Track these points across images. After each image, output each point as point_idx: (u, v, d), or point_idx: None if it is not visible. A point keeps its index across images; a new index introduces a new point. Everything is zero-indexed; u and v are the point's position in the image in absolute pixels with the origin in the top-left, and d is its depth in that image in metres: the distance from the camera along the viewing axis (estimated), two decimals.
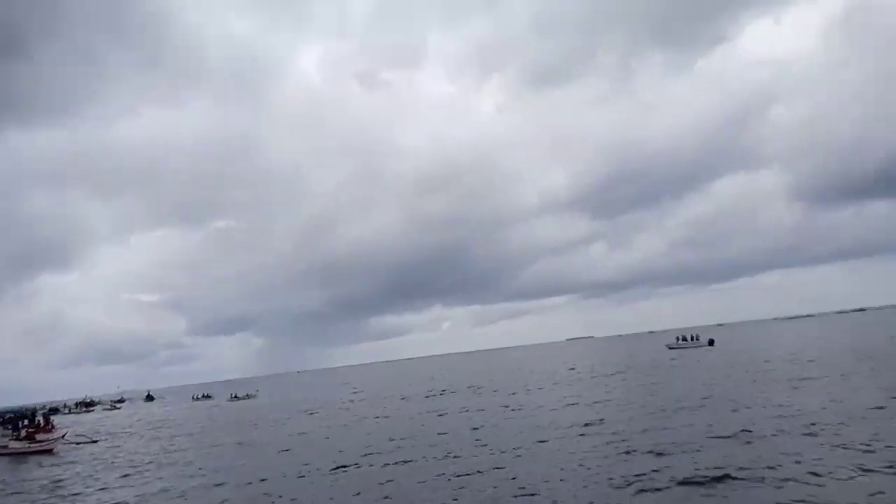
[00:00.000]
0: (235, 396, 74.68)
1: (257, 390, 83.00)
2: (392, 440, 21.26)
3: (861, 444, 12.53)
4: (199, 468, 20.19)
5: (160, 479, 18.90)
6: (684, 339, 76.62)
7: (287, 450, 22.35)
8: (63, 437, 34.28)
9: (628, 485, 11.42)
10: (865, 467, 10.71)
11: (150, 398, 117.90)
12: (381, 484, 13.92)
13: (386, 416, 30.84)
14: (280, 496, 13.99)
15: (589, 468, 13.22)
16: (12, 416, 48.94)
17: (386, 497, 12.51)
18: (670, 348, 74.39)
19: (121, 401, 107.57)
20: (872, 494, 9.14)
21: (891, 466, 10.55)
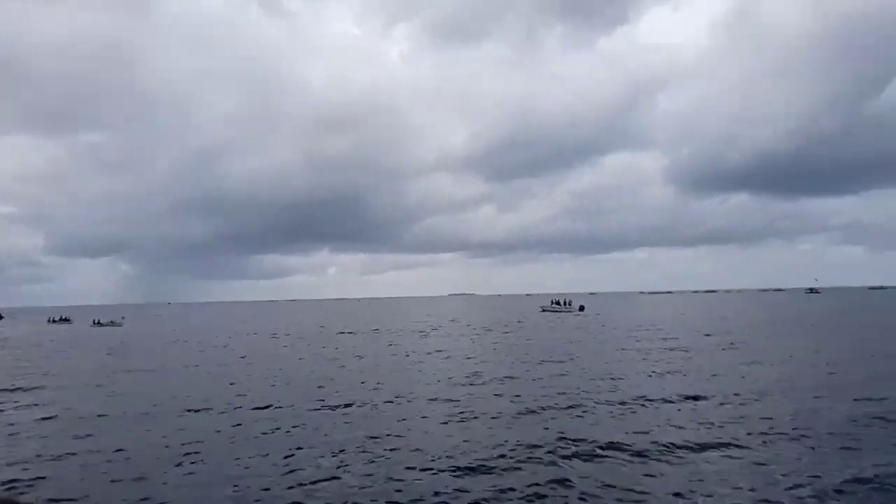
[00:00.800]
0: (98, 323, 70.36)
1: (123, 318, 78.57)
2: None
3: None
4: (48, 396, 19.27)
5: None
6: (557, 303, 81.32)
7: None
8: None
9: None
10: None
11: None
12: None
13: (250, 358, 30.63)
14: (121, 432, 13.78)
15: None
16: None
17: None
18: (543, 310, 78.91)
19: None
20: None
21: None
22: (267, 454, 10.50)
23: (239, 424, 13.11)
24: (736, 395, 15.26)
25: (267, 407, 15.05)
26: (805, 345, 28.08)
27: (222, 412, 14.58)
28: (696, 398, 14.89)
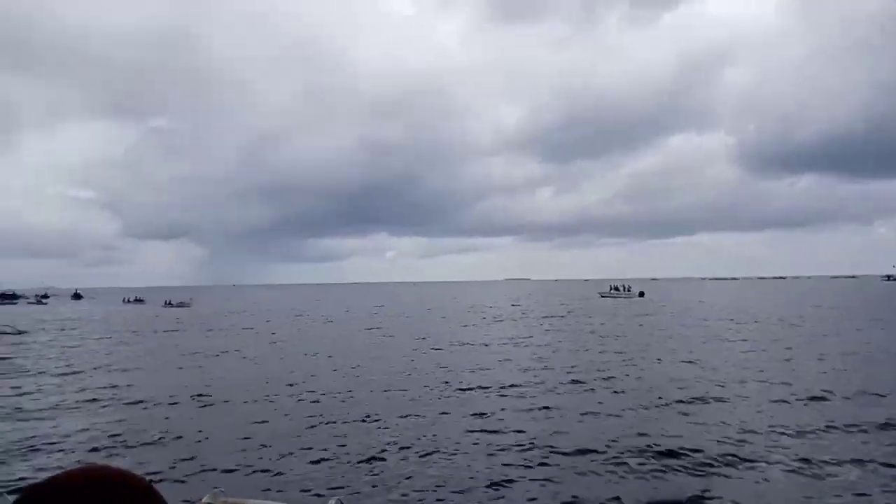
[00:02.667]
0: (170, 303, 73.50)
1: (191, 299, 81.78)
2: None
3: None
4: (134, 367, 20.16)
5: (92, 377, 18.79)
6: (616, 288, 79.76)
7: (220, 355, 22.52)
8: None
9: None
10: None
11: (77, 296, 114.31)
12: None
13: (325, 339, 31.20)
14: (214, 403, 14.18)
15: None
16: None
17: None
18: (602, 296, 77.63)
19: (45, 297, 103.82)
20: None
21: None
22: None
23: (377, 421, 13.29)
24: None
25: (403, 390, 15.22)
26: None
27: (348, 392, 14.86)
28: (816, 398, 13.08)
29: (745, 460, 8.85)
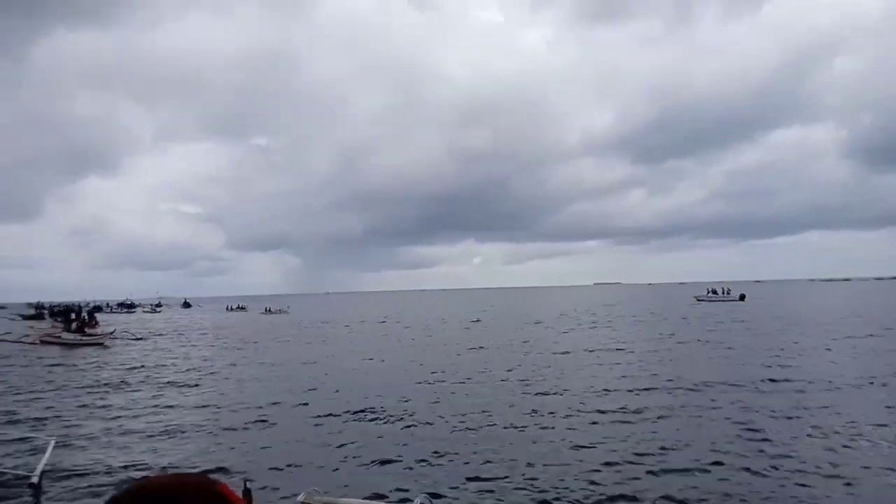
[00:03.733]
0: (269, 310, 77.50)
1: (289, 307, 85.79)
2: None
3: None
4: (249, 375, 21.46)
5: (211, 377, 20.20)
6: (714, 292, 76.07)
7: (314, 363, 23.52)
8: (112, 332, 36.40)
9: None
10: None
11: (187, 305, 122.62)
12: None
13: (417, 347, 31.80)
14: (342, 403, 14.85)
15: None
16: (60, 309, 51.88)
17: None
18: (699, 300, 74.10)
19: (159, 305, 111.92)
20: None
21: None
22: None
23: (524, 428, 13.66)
24: None
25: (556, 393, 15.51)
26: None
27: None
28: None
29: None
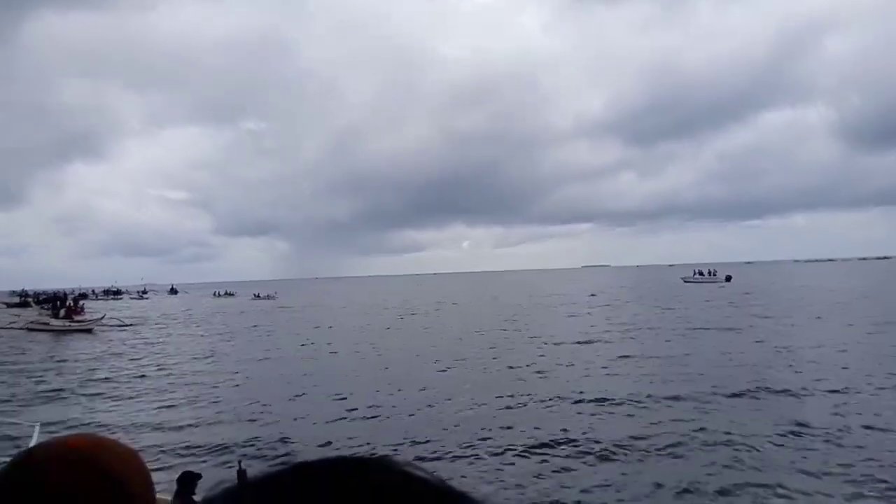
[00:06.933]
0: (258, 296, 77.47)
1: (276, 292, 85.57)
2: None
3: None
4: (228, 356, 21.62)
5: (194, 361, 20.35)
6: (700, 273, 76.90)
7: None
8: (101, 319, 36.39)
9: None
10: None
11: (173, 291, 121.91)
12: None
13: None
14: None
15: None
16: (47, 297, 51.68)
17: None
18: (686, 282, 74.87)
19: (145, 292, 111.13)
20: None
21: None
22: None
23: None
24: None
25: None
26: None
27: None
28: None
29: None
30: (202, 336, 29.97)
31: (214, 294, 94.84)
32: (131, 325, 37.60)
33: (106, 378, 17.22)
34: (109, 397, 14.36)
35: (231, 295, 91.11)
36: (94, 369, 18.96)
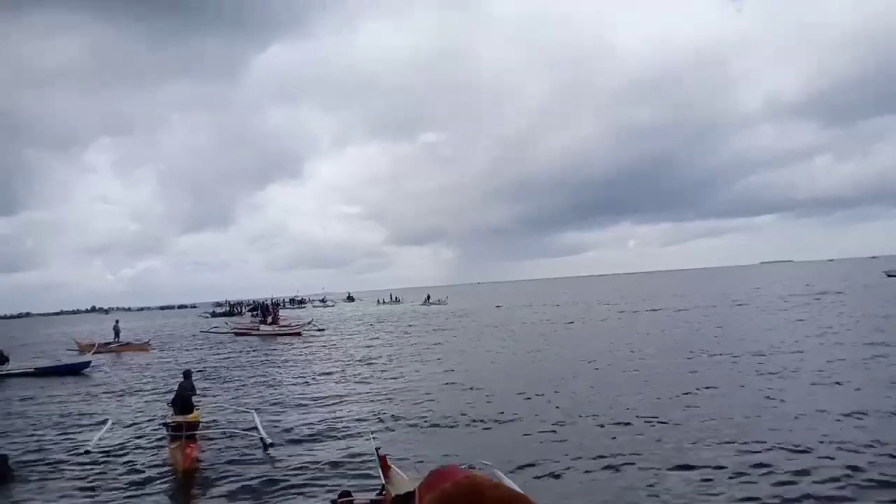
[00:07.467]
0: (427, 300, 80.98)
1: (447, 297, 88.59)
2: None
3: None
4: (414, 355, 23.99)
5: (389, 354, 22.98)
6: None
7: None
8: (309, 323, 41.90)
9: None
10: None
11: (350, 299, 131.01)
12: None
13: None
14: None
15: None
16: (254, 306, 60.50)
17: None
18: (889, 276, 66.29)
19: (325, 300, 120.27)
20: None
21: None
22: None
23: None
24: None
25: None
26: None
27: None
28: None
29: None
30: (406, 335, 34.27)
31: (378, 301, 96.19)
32: (324, 329, 42.22)
33: (336, 369, 21.11)
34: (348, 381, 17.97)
35: (397, 301, 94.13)
36: (320, 360, 23.83)
